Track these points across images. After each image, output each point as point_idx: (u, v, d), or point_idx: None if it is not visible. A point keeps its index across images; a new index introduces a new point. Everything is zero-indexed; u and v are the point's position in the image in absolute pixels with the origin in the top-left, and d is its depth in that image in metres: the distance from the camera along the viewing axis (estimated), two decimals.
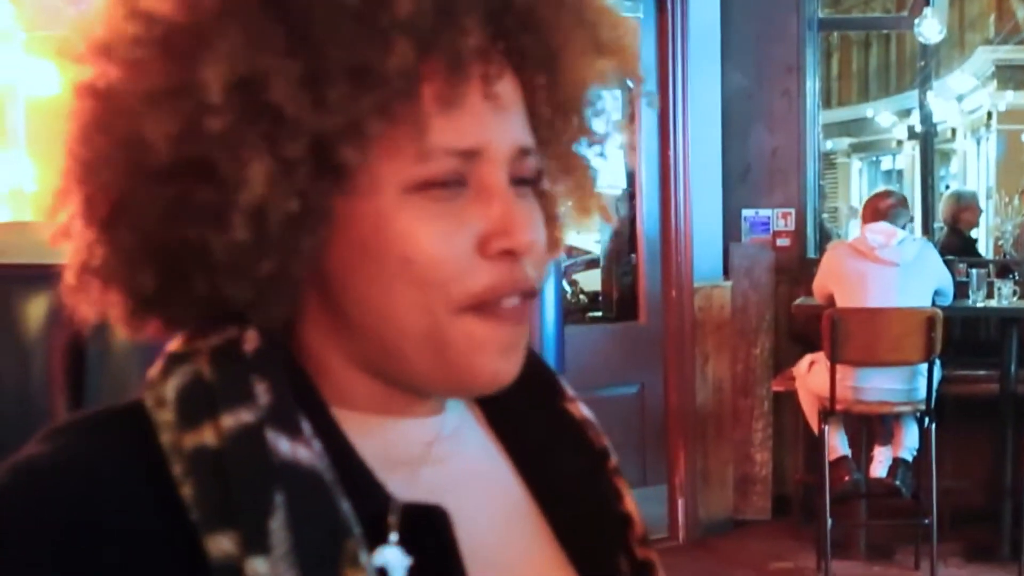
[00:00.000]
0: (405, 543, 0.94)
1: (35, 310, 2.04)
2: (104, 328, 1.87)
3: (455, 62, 0.95)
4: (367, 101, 0.92)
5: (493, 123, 0.99)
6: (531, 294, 1.03)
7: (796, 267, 7.29)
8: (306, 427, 0.95)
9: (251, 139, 0.90)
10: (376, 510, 0.95)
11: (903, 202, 6.61)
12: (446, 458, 1.10)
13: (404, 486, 1.00)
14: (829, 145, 23.21)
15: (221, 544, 0.87)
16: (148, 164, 0.91)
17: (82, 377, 1.99)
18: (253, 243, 0.93)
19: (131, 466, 0.93)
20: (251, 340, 0.97)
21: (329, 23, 0.91)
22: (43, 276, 2.08)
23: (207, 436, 0.91)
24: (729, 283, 7.17)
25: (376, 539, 0.93)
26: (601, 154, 1.19)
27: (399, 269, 0.97)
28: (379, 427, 1.06)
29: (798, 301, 7.02)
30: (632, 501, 1.23)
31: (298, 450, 0.92)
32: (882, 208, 6.40)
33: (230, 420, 0.91)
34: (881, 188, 7.91)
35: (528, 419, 1.21)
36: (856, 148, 26.20)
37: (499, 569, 1.07)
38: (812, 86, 7.52)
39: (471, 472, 1.14)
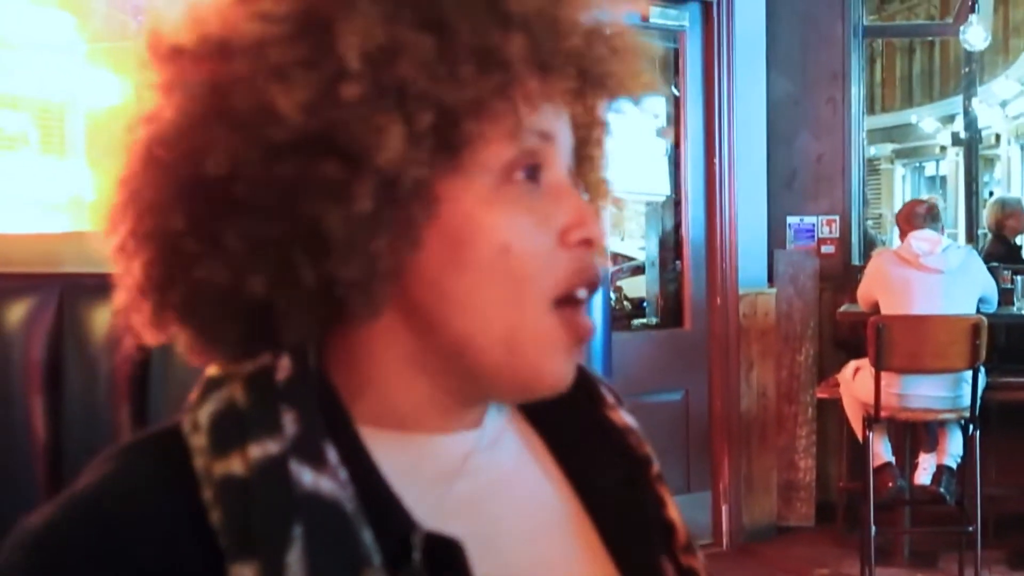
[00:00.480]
0: (428, 569, 0.96)
1: (100, 318, 2.06)
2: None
3: (548, 63, 1.01)
4: (491, 81, 0.96)
5: (557, 122, 1.06)
6: (596, 286, 1.07)
7: (840, 274, 7.33)
8: (332, 455, 0.97)
9: (384, 108, 0.93)
10: (399, 537, 0.96)
11: (936, 207, 6.63)
12: (481, 470, 1.12)
13: (436, 501, 1.04)
14: (872, 151, 23.13)
15: (243, 574, 0.90)
16: (272, 140, 0.93)
17: (146, 385, 2.03)
18: (372, 216, 0.95)
19: (170, 493, 0.96)
20: (283, 369, 0.99)
21: (462, 6, 0.95)
22: (106, 286, 2.12)
23: (235, 465, 0.94)
24: (774, 290, 7.21)
25: (399, 565, 0.95)
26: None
27: (495, 260, 1.00)
28: (415, 444, 1.08)
29: (843, 308, 7.05)
30: (675, 508, 1.25)
31: (321, 481, 0.95)
32: (920, 212, 6.41)
33: (257, 450, 0.94)
34: (914, 198, 7.96)
35: (570, 426, 1.23)
36: (899, 154, 26.14)
37: None
38: (857, 92, 7.56)
39: (506, 482, 1.15)
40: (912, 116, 24.74)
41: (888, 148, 25.50)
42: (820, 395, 7.04)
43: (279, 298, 0.98)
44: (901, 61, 25.89)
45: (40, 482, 1.95)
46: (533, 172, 1.02)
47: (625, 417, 1.30)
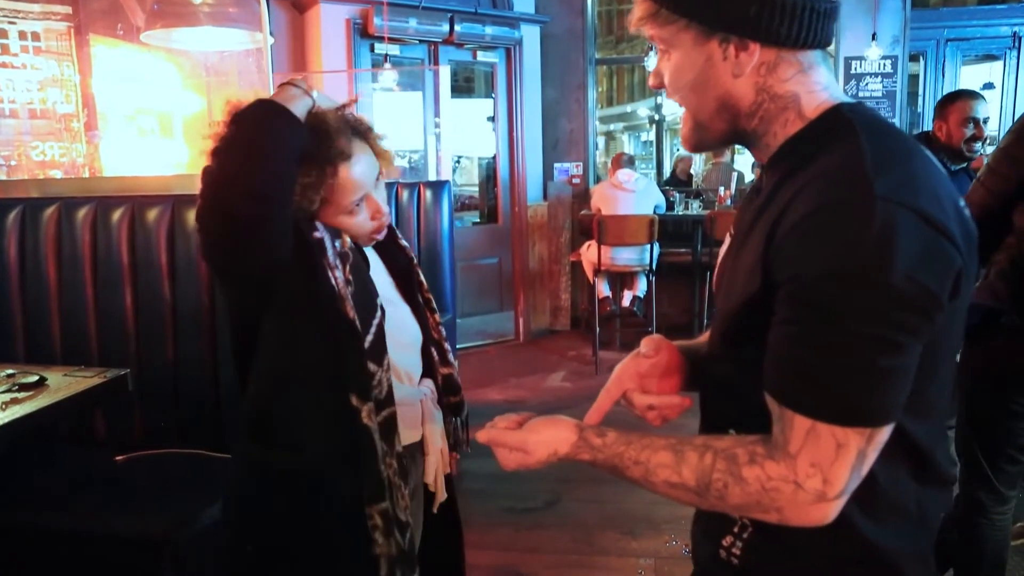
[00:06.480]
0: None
1: (189, 216, 2.28)
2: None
3: (348, 160, 1.50)
4: (319, 178, 1.49)
5: (366, 183, 1.55)
6: (384, 230, 1.63)
7: (583, 194, 7.17)
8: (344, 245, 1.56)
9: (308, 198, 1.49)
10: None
11: (632, 157, 6.47)
12: (361, 264, 1.62)
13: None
14: (611, 127, 22.52)
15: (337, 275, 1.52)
16: None
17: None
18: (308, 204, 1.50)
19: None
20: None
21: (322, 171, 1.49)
22: (193, 200, 2.33)
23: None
24: (547, 202, 7.14)
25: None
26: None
27: (349, 223, 1.56)
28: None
29: (583, 212, 6.96)
30: (422, 276, 1.77)
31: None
32: (622, 159, 6.35)
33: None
34: (620, 151, 7.90)
35: (389, 250, 1.74)
36: (627, 128, 25.66)
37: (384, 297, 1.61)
38: (593, 96, 7.27)
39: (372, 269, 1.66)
40: (630, 107, 24.11)
41: (620, 125, 24.76)
42: (572, 259, 7.01)
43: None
44: (627, 75, 25.58)
45: (166, 299, 2.14)
46: (360, 201, 1.56)
47: (402, 243, 1.77)
